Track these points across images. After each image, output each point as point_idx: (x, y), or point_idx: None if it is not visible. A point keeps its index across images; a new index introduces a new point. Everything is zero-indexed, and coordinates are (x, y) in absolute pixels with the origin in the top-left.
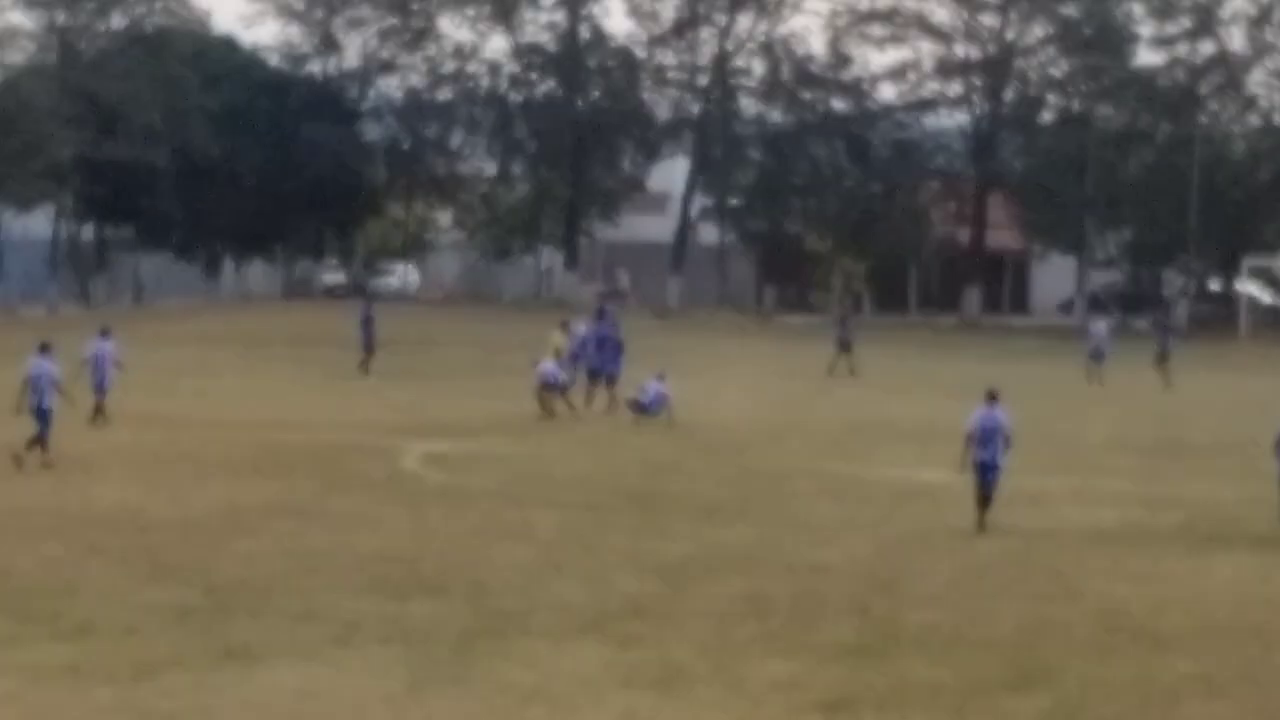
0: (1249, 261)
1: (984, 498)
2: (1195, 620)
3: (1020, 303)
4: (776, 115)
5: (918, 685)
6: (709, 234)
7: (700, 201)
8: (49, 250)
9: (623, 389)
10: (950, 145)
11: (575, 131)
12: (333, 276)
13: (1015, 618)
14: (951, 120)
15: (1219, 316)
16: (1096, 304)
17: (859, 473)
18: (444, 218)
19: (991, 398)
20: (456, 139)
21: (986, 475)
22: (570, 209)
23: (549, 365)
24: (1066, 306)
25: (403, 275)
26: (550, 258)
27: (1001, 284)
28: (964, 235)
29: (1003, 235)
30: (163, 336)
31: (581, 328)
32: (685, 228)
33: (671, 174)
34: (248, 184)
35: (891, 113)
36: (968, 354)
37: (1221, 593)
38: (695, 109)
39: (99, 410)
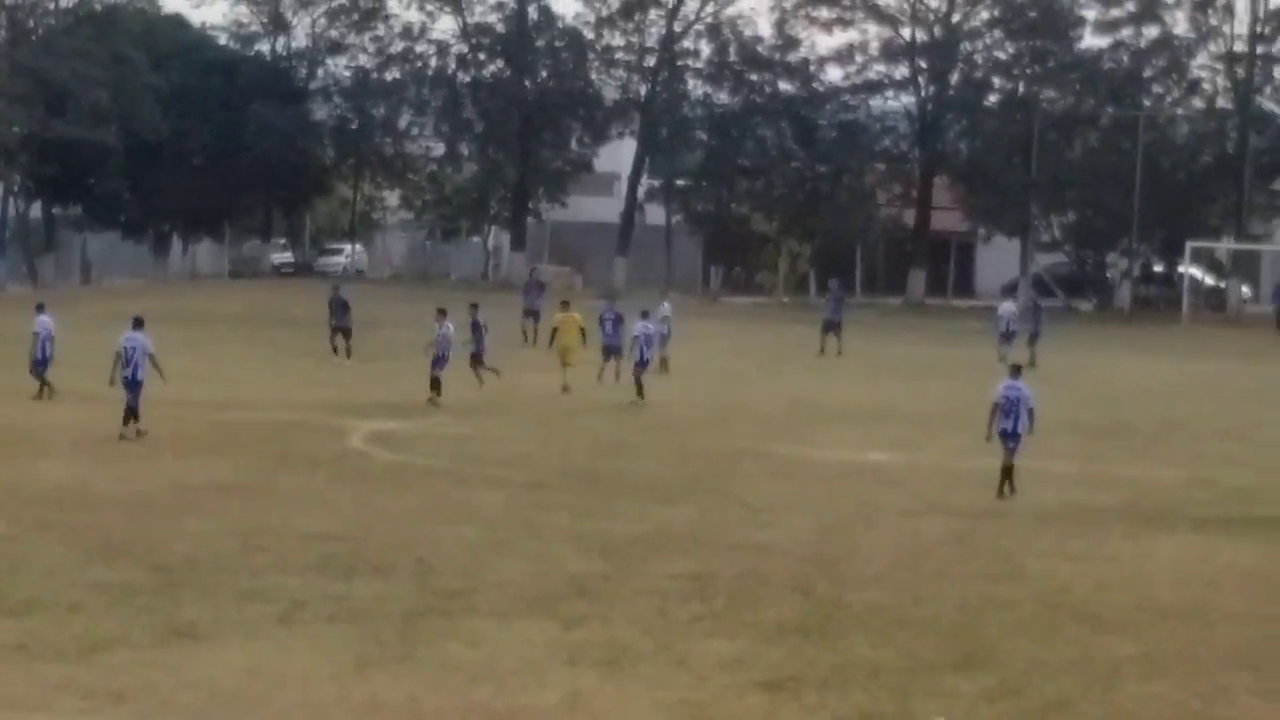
0: (1192, 244)
1: (1006, 465)
2: (1137, 600)
3: (965, 285)
4: (723, 97)
5: (860, 665)
6: (656, 215)
7: (647, 182)
8: None
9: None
10: (896, 128)
11: (523, 112)
12: (280, 256)
13: (958, 598)
14: (897, 103)
15: (1162, 299)
16: (1006, 289)
17: (803, 453)
18: (392, 197)
19: (1015, 371)
20: (404, 119)
21: (1009, 443)
22: (518, 189)
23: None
24: (1011, 289)
25: (350, 255)
26: (498, 238)
27: (947, 266)
28: (909, 217)
29: (948, 218)
30: (110, 315)
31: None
32: (632, 208)
33: (619, 155)
34: (196, 163)
35: (838, 95)
36: (913, 336)
37: (1163, 573)
38: (643, 90)
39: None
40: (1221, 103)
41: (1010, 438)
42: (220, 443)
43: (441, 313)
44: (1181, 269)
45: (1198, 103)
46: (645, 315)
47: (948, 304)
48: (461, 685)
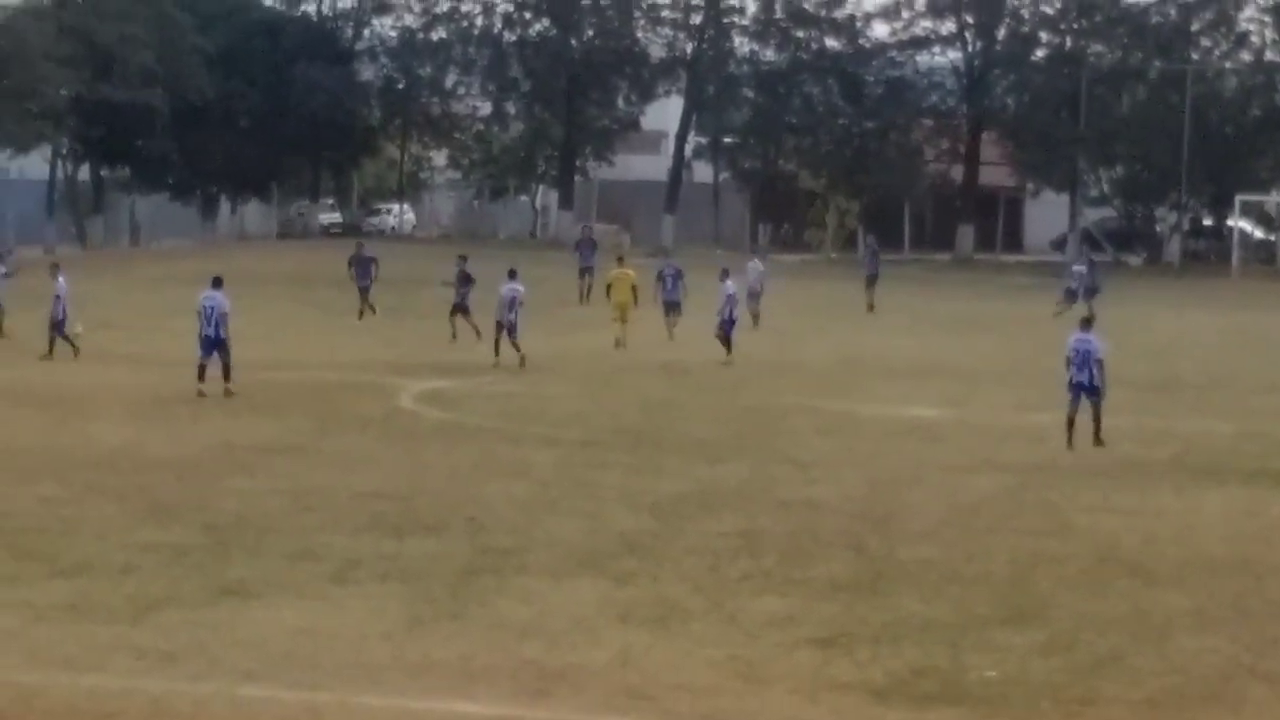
0: (1241, 197)
1: (1095, 416)
2: (1187, 554)
3: (1014, 240)
4: (770, 54)
5: (912, 621)
6: (703, 172)
7: (694, 140)
8: (46, 192)
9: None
10: (943, 83)
11: (569, 71)
12: (329, 216)
13: (1008, 553)
14: (944, 58)
15: (1212, 253)
16: (1055, 244)
17: (853, 409)
18: (439, 157)
19: (1086, 324)
20: (451, 78)
21: (1085, 396)
22: (565, 148)
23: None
24: (1060, 244)
25: (399, 215)
26: (546, 197)
27: (995, 222)
28: (957, 173)
29: (996, 173)
30: (159, 277)
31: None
32: (679, 166)
33: (666, 113)
34: (243, 125)
35: (884, 51)
36: (961, 291)
37: (1213, 527)
38: (689, 48)
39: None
40: (1270, 55)
41: (1088, 391)
42: (269, 403)
43: (511, 274)
44: (1231, 222)
45: (1246, 55)
46: (726, 275)
47: (996, 259)
48: (513, 643)
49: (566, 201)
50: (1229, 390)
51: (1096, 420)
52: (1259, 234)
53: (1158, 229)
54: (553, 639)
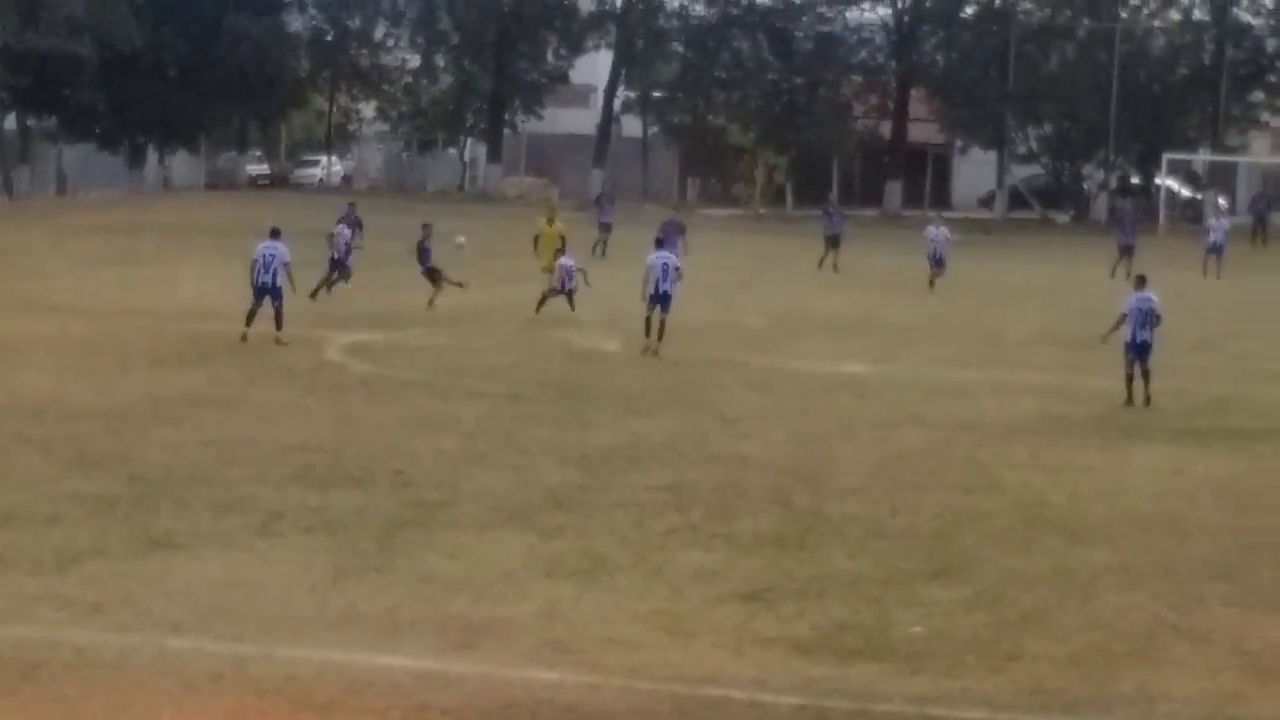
0: (1168, 156)
1: (1144, 372)
2: (1113, 511)
3: (942, 197)
4: (699, 8)
5: (838, 576)
6: (632, 126)
7: (623, 94)
8: None
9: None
10: (872, 39)
11: (499, 23)
12: (256, 168)
13: (935, 509)
14: (874, 14)
15: (1139, 211)
16: (983, 201)
17: (781, 365)
18: (368, 109)
19: (1141, 282)
20: (380, 30)
21: (1142, 353)
22: (494, 101)
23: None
24: (987, 201)
25: (326, 167)
26: (474, 150)
27: (923, 178)
28: (886, 129)
29: (924, 130)
30: (86, 227)
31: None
32: (608, 120)
33: (595, 67)
34: (171, 75)
35: (814, 6)
36: (890, 248)
37: (1139, 484)
38: (619, 1)
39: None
40: (1198, 14)
41: (1145, 348)
42: (196, 354)
43: (659, 243)
44: (1158, 181)
45: (1174, 14)
46: (660, 244)
47: (924, 216)
48: (439, 596)
49: (495, 154)
50: (1155, 349)
51: (1146, 376)
52: (1185, 192)
53: (1085, 187)
54: (479, 592)
